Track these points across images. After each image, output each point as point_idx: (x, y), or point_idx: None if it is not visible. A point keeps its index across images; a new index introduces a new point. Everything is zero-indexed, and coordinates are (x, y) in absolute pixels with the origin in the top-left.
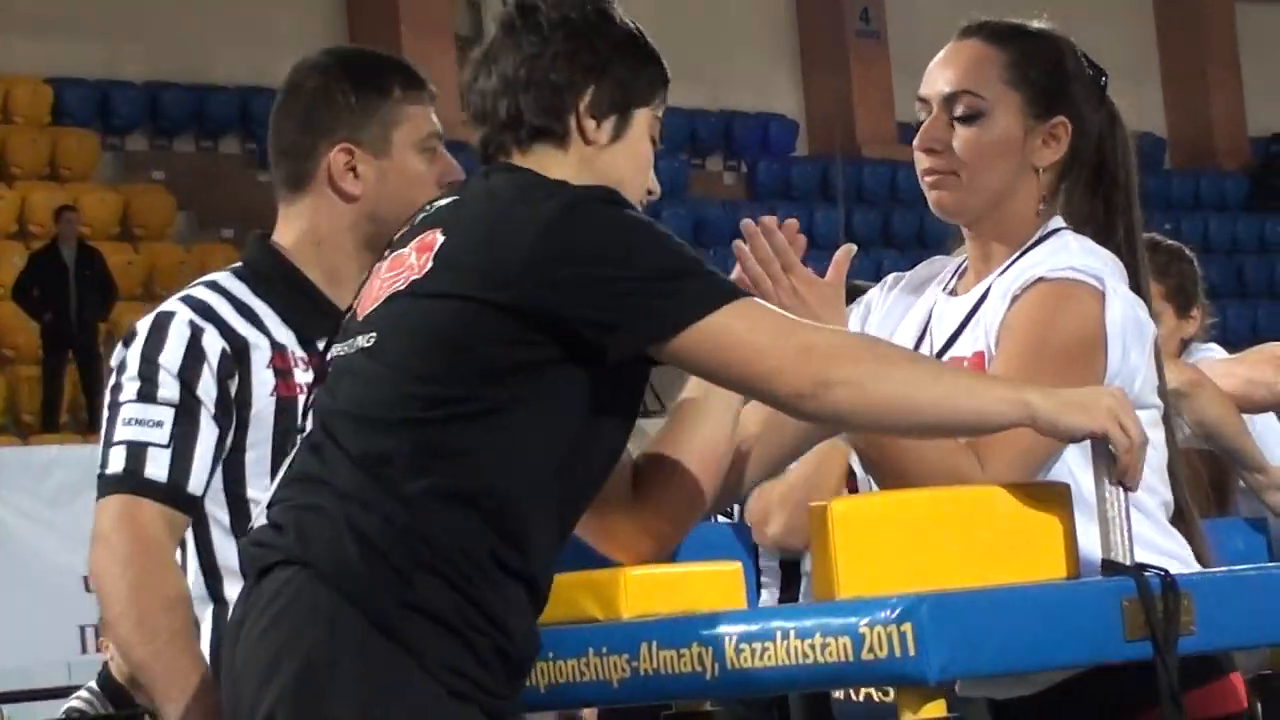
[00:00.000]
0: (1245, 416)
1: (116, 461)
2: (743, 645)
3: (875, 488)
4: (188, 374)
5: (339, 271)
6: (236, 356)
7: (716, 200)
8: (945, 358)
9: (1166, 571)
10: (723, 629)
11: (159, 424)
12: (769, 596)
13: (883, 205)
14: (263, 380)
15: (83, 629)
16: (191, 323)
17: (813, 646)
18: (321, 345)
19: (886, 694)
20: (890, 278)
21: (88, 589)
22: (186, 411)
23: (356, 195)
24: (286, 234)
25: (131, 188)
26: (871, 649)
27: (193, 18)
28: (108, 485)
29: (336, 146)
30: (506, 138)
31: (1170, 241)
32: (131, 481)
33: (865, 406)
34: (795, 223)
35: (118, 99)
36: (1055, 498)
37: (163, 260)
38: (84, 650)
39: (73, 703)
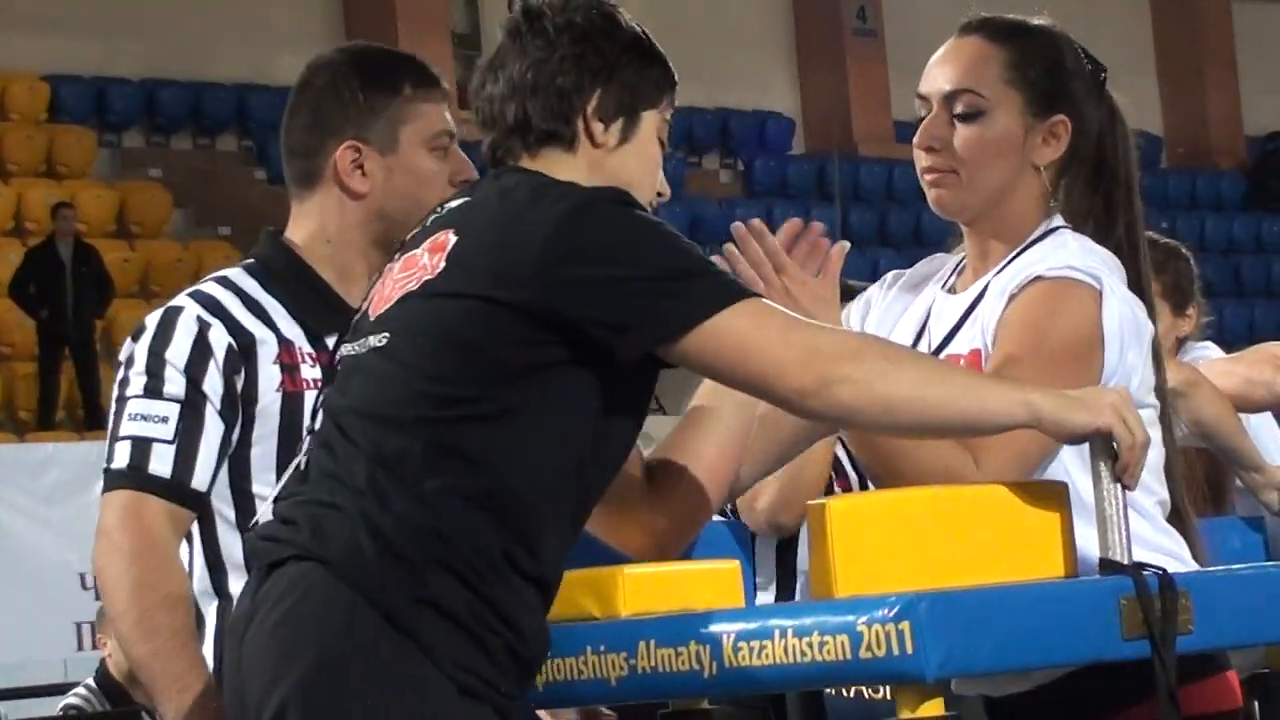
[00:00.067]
0: (1241, 415)
1: (121, 456)
2: (741, 643)
3: (868, 483)
4: (194, 370)
5: (350, 269)
6: (243, 352)
7: (713, 198)
8: (942, 355)
9: (1164, 570)
10: (721, 627)
11: (164, 419)
12: (765, 598)
13: (879, 204)
14: (269, 376)
15: (79, 626)
16: (199, 318)
17: (811, 645)
18: (331, 342)
19: (877, 691)
20: (890, 275)
21: (84, 586)
22: (192, 407)
23: (364, 193)
24: (298, 231)
25: (128, 185)
26: (869, 647)
27: (190, 15)
28: (112, 480)
29: (344, 144)
30: (515, 142)
31: (1166, 239)
32: (136, 477)
33: (869, 405)
34: (820, 226)
35: (115, 96)
36: (1053, 497)
37: (159, 258)
38: (80, 647)
39: (70, 700)
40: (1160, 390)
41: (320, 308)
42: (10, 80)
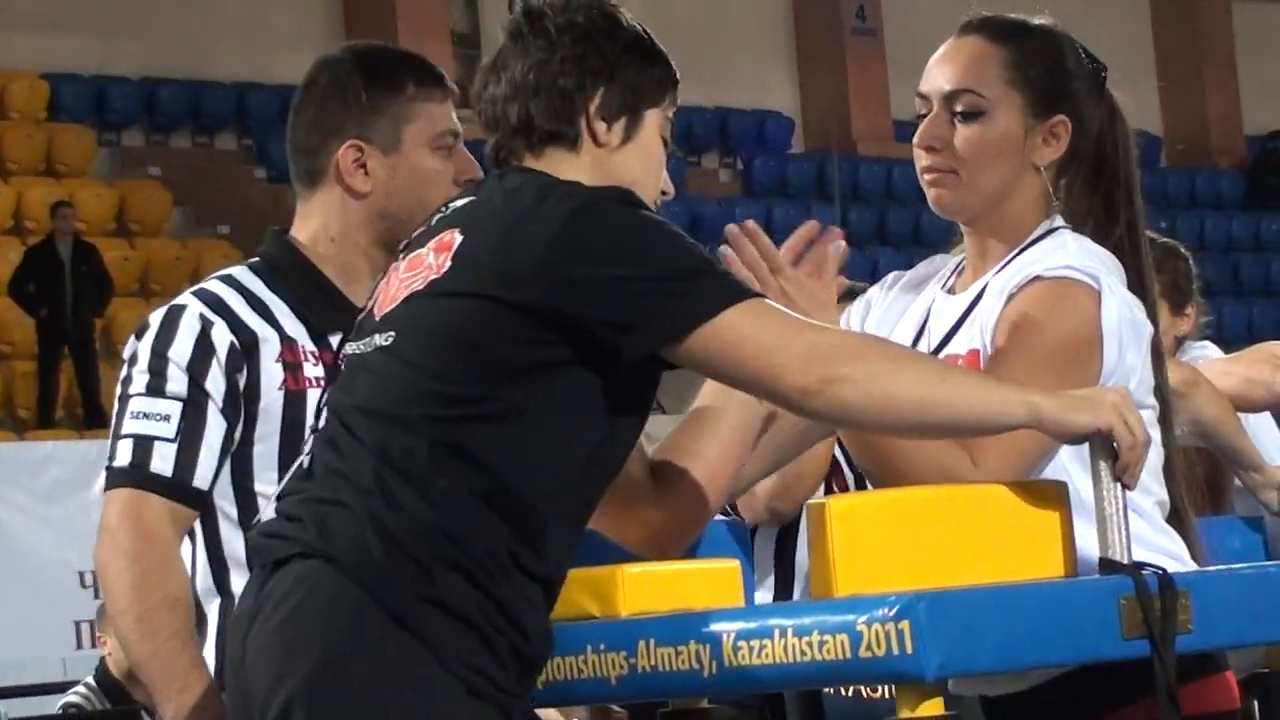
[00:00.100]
0: (1240, 415)
1: (123, 454)
2: (741, 643)
3: (865, 482)
4: (196, 368)
5: (353, 267)
6: (245, 350)
7: (713, 197)
8: (940, 355)
9: (1164, 570)
10: (721, 626)
11: (166, 418)
12: (763, 594)
13: (878, 203)
14: (271, 374)
15: (78, 624)
16: (202, 316)
17: (810, 644)
18: (334, 341)
19: (876, 690)
20: (891, 276)
21: (83, 584)
22: (194, 405)
23: (366, 192)
24: (303, 230)
25: (128, 183)
26: (869, 646)
27: (189, 14)
28: (114, 478)
29: (346, 143)
30: (518, 143)
31: (1165, 239)
32: (137, 475)
33: (871, 405)
34: (838, 231)
35: (114, 95)
36: (1053, 496)
37: (159, 256)
38: (79, 646)
39: (70, 698)
40: (1162, 391)
41: (324, 306)
42: (10, 79)
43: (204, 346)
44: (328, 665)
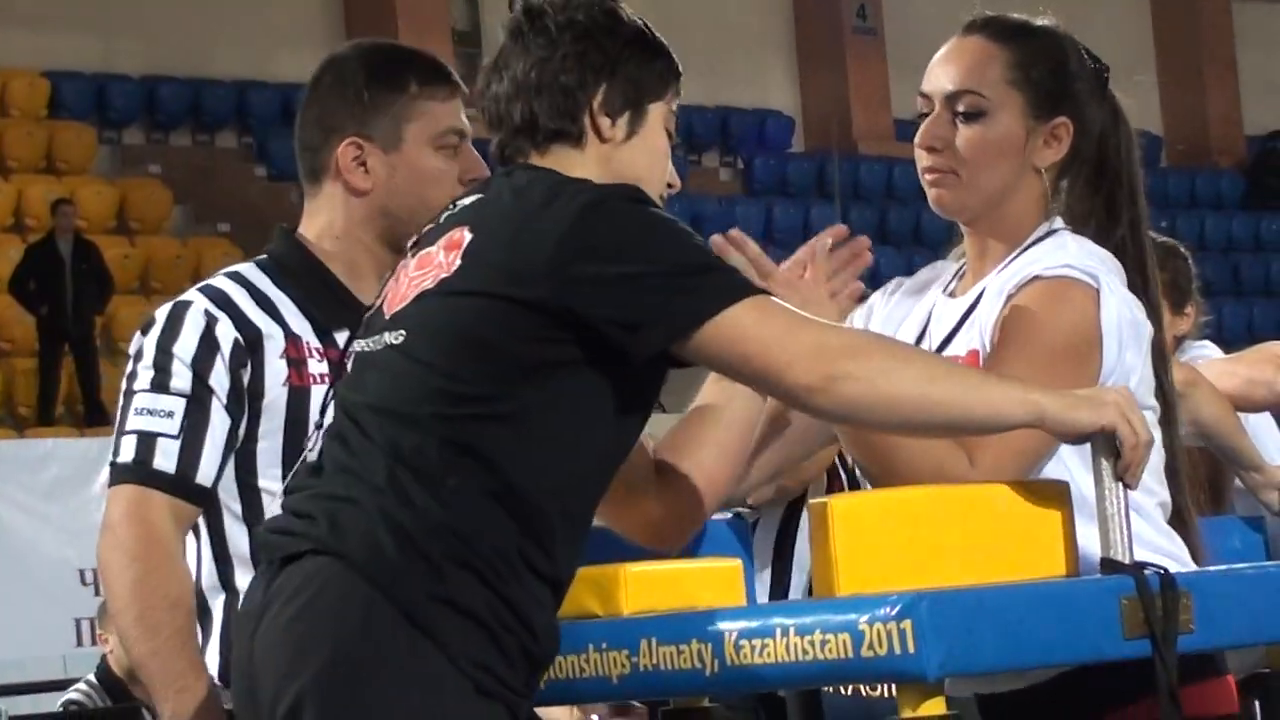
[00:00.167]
0: (1240, 415)
1: (127, 451)
2: (742, 641)
3: (858, 482)
4: (201, 364)
5: (358, 265)
6: (249, 346)
7: (713, 196)
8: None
9: (1165, 570)
10: (722, 625)
11: (170, 414)
12: (760, 589)
13: (879, 202)
14: (275, 370)
15: (78, 622)
16: (206, 312)
17: (812, 643)
18: (340, 338)
19: (875, 689)
20: (893, 281)
21: (83, 582)
22: (198, 402)
23: (365, 190)
24: (309, 227)
25: (128, 181)
26: (871, 646)
27: (190, 11)
28: (118, 474)
29: (346, 140)
30: (523, 141)
31: (1164, 238)
32: (141, 471)
33: (875, 402)
34: (866, 240)
35: (114, 92)
36: (1055, 496)
37: (159, 254)
38: (79, 643)
39: (71, 695)
40: (1166, 392)
41: (331, 303)
42: (10, 76)
43: (208, 343)
44: (338, 663)
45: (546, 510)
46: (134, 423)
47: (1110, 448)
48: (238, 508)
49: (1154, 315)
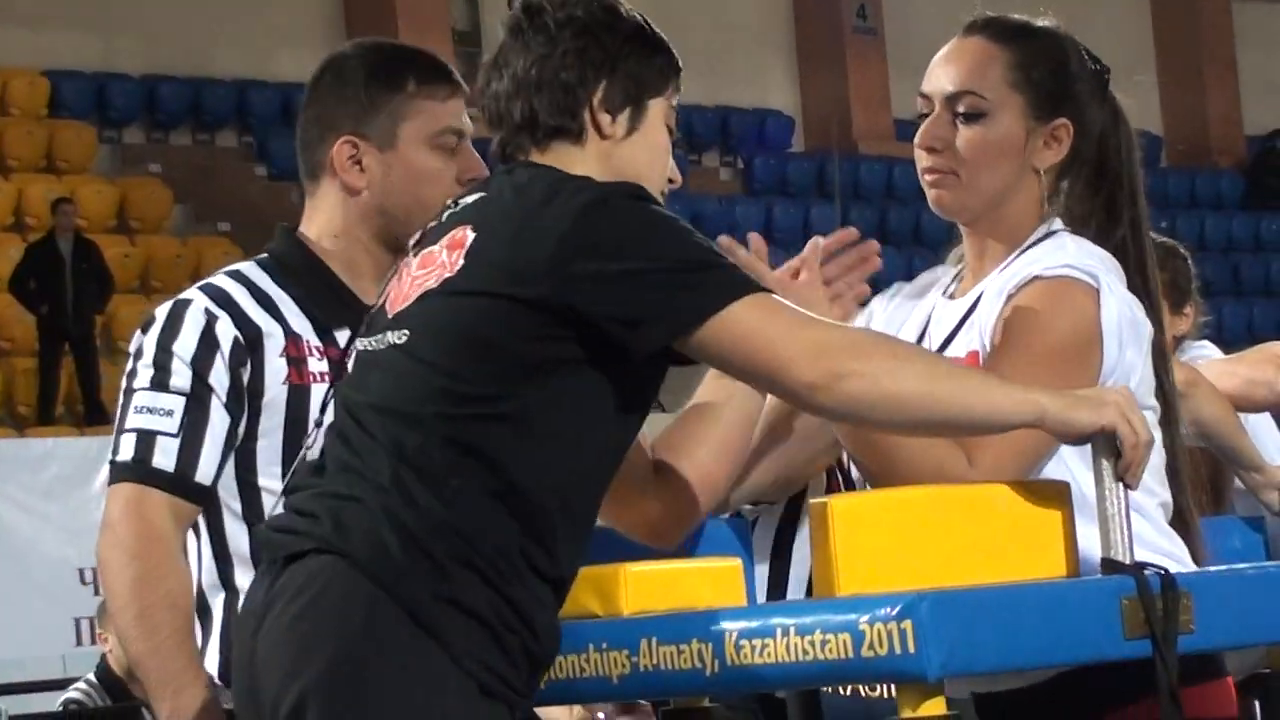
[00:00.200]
0: (1239, 415)
1: (126, 449)
2: (743, 641)
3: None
4: (200, 363)
5: (357, 263)
6: (249, 345)
7: (713, 196)
8: None
9: (1166, 570)
10: (723, 625)
11: (169, 413)
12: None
13: (879, 202)
14: (275, 369)
15: (78, 621)
16: (206, 310)
17: (813, 643)
18: (340, 336)
19: (874, 689)
20: (894, 286)
21: (83, 581)
22: (197, 400)
23: (360, 188)
24: (310, 226)
25: (128, 180)
26: (871, 646)
27: (190, 11)
28: (117, 473)
29: (342, 138)
30: (524, 139)
31: (1163, 238)
32: (140, 470)
33: (877, 400)
34: (875, 245)
35: (115, 91)
36: (1055, 496)
37: (159, 253)
38: (79, 643)
39: (71, 694)
40: (1167, 392)
41: (331, 302)
42: (11, 75)
43: (208, 341)
44: (342, 662)
45: (548, 509)
46: (133, 421)
47: (1111, 448)
48: (238, 506)
49: (1154, 316)
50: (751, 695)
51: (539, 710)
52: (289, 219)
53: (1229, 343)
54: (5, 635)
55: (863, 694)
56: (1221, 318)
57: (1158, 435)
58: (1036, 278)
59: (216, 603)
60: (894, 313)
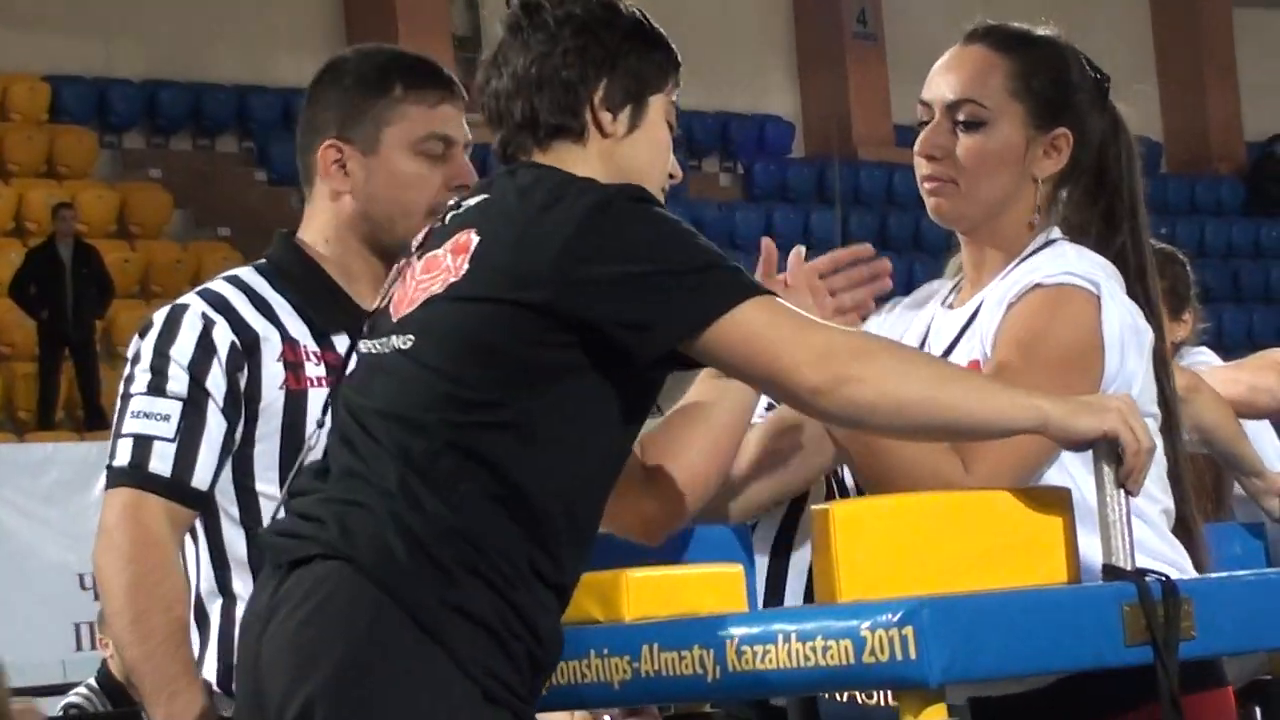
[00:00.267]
0: (1240, 421)
1: (123, 454)
2: (744, 647)
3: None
4: (198, 367)
5: (351, 268)
6: (246, 350)
7: (713, 201)
8: None
9: (1167, 576)
10: (724, 631)
11: (166, 417)
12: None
13: (879, 208)
14: (272, 374)
15: (77, 626)
16: (204, 315)
17: (814, 649)
18: (338, 340)
19: (871, 696)
20: (891, 300)
21: (83, 586)
22: (194, 405)
23: (343, 192)
24: (307, 231)
25: (129, 185)
26: (873, 652)
27: (190, 16)
28: (114, 478)
29: (327, 142)
30: (525, 138)
31: (1162, 244)
32: (137, 475)
33: (880, 405)
34: (887, 265)
35: (115, 97)
36: (1057, 502)
37: (160, 258)
38: (79, 648)
39: (71, 699)
40: (1168, 399)
41: (329, 306)
42: (11, 81)
43: (205, 346)
44: (348, 667)
45: (553, 514)
46: (130, 426)
47: (1112, 454)
48: (235, 511)
49: (1154, 323)
50: (749, 702)
51: (541, 716)
52: (289, 224)
53: (1229, 349)
54: (5, 640)
55: (860, 701)
56: (1221, 324)
57: (1159, 442)
58: (1037, 285)
59: (214, 609)
60: (893, 324)
